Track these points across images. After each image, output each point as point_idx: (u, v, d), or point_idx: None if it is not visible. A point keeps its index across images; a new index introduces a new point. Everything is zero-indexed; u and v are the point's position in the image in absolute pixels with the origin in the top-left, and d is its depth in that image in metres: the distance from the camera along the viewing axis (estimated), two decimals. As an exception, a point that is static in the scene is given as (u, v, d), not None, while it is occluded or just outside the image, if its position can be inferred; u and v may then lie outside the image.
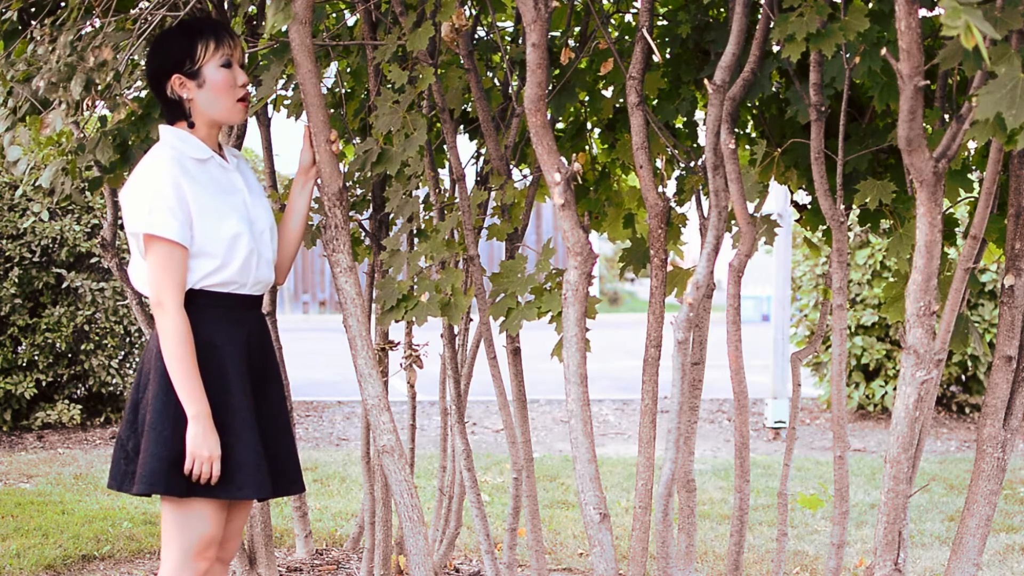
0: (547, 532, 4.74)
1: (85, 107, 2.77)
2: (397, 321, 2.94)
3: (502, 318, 2.84)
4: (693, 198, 3.08)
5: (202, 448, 2.33)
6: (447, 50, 3.03)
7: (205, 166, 2.45)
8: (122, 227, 7.35)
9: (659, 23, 3.13)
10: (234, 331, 2.45)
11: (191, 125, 2.45)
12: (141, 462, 2.38)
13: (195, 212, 2.36)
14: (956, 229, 2.86)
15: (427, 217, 3.19)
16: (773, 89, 2.92)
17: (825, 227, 2.96)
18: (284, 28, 2.76)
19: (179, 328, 2.34)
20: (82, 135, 3.25)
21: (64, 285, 7.00)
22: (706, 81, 2.58)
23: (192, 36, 2.41)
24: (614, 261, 21.26)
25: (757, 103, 3.04)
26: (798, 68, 2.69)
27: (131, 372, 7.53)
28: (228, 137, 3.52)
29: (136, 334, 7.36)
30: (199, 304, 2.41)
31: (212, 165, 2.47)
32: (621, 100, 3.17)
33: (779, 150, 2.88)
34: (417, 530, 2.71)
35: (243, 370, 2.44)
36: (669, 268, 2.98)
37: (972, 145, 2.84)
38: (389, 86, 2.90)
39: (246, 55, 2.53)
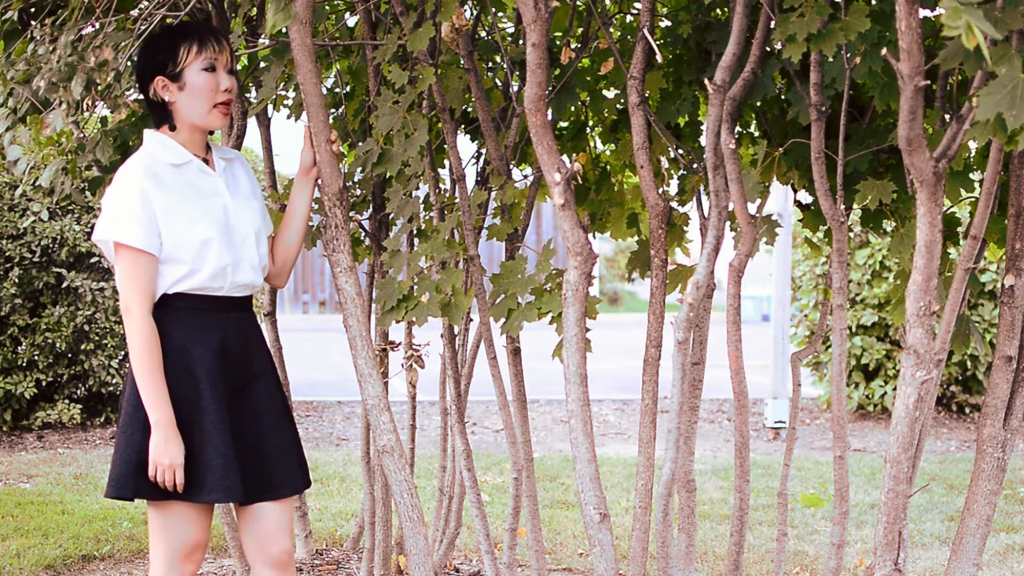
0: (547, 532, 4.74)
1: (85, 107, 2.77)
2: (398, 322, 2.94)
3: (503, 319, 2.84)
4: (694, 198, 3.08)
5: (163, 456, 2.33)
6: (447, 50, 3.03)
7: (181, 171, 2.44)
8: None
9: (661, 23, 3.13)
10: (208, 334, 2.43)
11: (172, 128, 2.46)
12: (112, 465, 2.40)
13: (162, 219, 2.36)
14: (958, 229, 2.86)
15: (427, 217, 3.19)
16: (775, 90, 2.92)
17: (827, 227, 2.97)
18: (284, 28, 2.76)
19: (145, 334, 2.34)
20: (82, 135, 3.25)
21: (64, 285, 7.00)
22: (707, 81, 2.58)
23: (175, 39, 2.42)
24: (614, 261, 21.26)
25: (759, 103, 3.04)
26: (799, 68, 2.69)
27: (131, 372, 7.53)
28: (228, 137, 3.52)
29: (136, 334, 7.35)
30: (173, 306, 2.41)
31: (190, 170, 2.46)
32: (623, 101, 3.17)
33: (780, 150, 2.88)
34: (417, 530, 2.71)
35: (215, 373, 2.42)
36: (672, 267, 2.98)
37: (972, 145, 2.84)
38: (389, 86, 2.90)
39: (235, 62, 2.53)
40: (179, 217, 2.38)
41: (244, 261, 2.48)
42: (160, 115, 2.47)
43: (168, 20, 2.66)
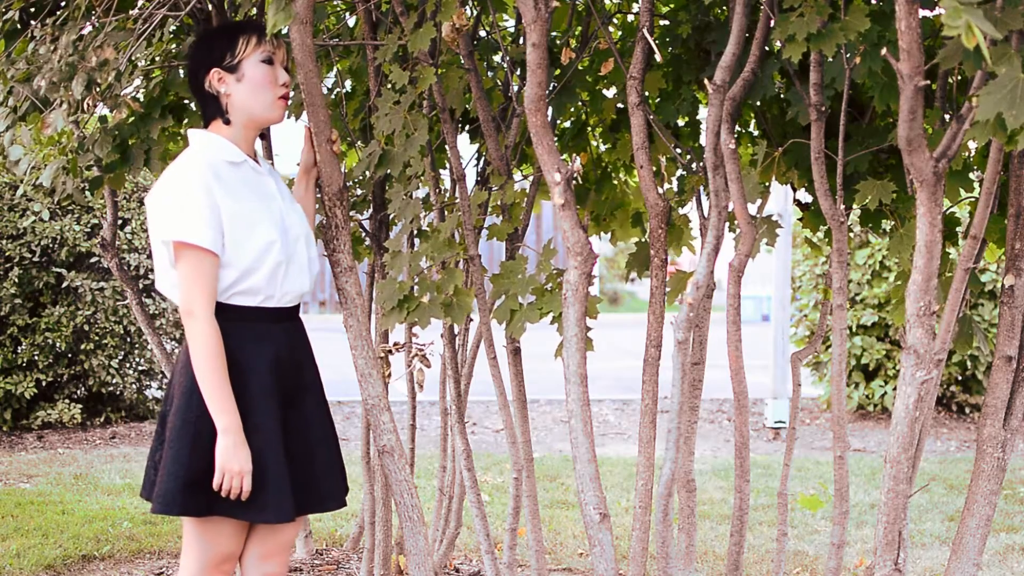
0: (547, 532, 4.74)
1: (86, 107, 2.77)
2: (402, 324, 2.94)
3: (505, 322, 2.83)
4: (693, 198, 3.08)
5: (232, 462, 2.26)
6: (448, 50, 3.03)
7: (239, 170, 2.38)
8: (122, 227, 7.36)
9: (660, 23, 3.13)
10: (260, 347, 2.36)
11: (227, 122, 2.39)
12: (159, 480, 2.32)
13: (226, 219, 2.29)
14: (957, 229, 2.86)
15: (428, 218, 3.19)
16: (775, 90, 2.92)
17: (827, 227, 2.97)
18: (285, 28, 2.76)
19: (210, 337, 2.26)
20: (82, 134, 3.25)
21: (64, 285, 7.00)
22: (706, 81, 2.58)
23: (234, 32, 2.39)
24: (614, 261, 21.27)
25: (759, 103, 3.04)
26: (799, 68, 2.69)
27: (131, 372, 7.53)
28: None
29: (136, 334, 7.35)
30: (224, 318, 2.32)
31: (246, 169, 2.40)
32: (623, 100, 3.17)
33: (780, 150, 2.88)
34: (417, 530, 2.72)
35: (269, 387, 2.35)
36: (674, 269, 2.98)
37: (972, 145, 2.85)
38: (389, 86, 2.91)
39: (290, 60, 2.50)
40: (241, 219, 2.31)
41: (295, 265, 2.42)
42: (214, 108, 2.40)
43: (168, 20, 2.66)
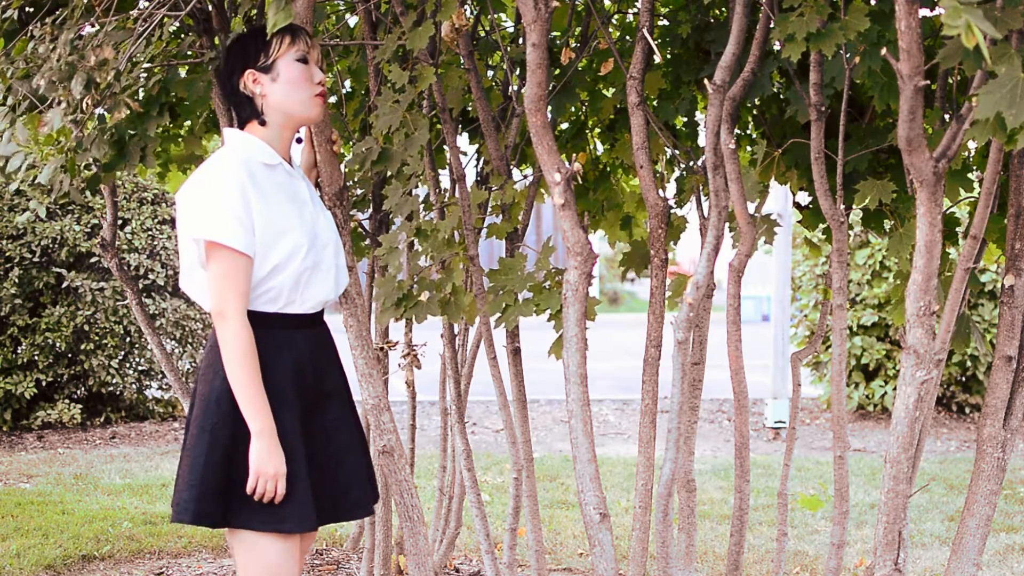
0: (547, 532, 4.74)
1: (85, 107, 2.77)
2: (397, 320, 2.94)
3: (498, 314, 2.83)
4: (693, 198, 3.08)
5: (267, 465, 2.22)
6: (447, 50, 3.03)
7: (273, 172, 2.34)
8: (122, 227, 7.35)
9: (660, 23, 3.13)
10: (280, 355, 2.32)
11: (263, 123, 2.36)
12: (176, 487, 2.30)
13: (258, 221, 2.25)
14: (957, 229, 2.86)
15: (428, 218, 3.19)
16: (774, 89, 2.92)
17: (826, 227, 2.96)
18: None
19: (243, 339, 2.22)
20: (81, 134, 3.25)
21: (64, 285, 7.00)
22: (706, 81, 2.58)
23: (267, 32, 2.35)
24: (614, 261, 21.29)
25: (758, 103, 3.04)
26: (798, 68, 2.69)
27: (131, 372, 7.53)
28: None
29: (136, 334, 7.35)
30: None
31: (280, 172, 2.36)
32: (621, 100, 3.17)
33: (779, 150, 2.88)
34: (417, 530, 2.71)
35: (289, 396, 2.31)
36: (674, 267, 2.98)
37: (972, 145, 2.85)
38: (389, 86, 2.91)
39: (323, 63, 2.47)
40: (273, 222, 2.27)
41: (320, 271, 2.38)
42: (249, 110, 2.37)
43: (167, 20, 2.66)
